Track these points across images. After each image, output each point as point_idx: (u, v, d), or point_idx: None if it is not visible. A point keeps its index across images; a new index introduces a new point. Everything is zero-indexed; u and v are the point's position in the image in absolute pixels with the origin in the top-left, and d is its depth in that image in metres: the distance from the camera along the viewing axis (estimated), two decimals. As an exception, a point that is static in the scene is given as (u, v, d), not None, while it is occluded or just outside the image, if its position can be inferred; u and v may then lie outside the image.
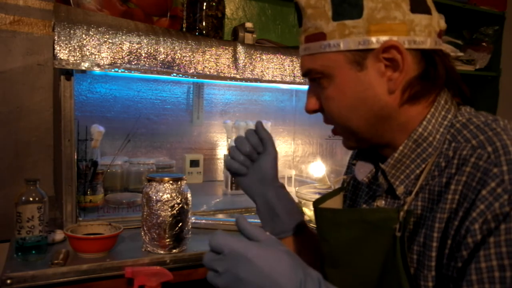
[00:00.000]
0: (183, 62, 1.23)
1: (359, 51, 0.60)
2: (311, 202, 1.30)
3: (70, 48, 1.07)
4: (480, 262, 0.50)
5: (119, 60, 1.13)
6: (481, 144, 0.56)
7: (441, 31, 0.63)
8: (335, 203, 0.75)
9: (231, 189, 1.65)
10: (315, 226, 1.28)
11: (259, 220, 0.81)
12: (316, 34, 0.62)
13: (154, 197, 1.01)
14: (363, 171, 0.70)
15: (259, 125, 0.82)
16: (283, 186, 0.84)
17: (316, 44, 0.62)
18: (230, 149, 0.83)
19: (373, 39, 0.59)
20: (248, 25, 1.45)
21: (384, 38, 0.59)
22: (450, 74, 0.64)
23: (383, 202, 0.67)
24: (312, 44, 0.63)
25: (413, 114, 0.63)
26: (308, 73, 0.66)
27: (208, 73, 1.27)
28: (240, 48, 1.33)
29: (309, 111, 0.69)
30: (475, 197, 0.53)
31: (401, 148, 0.63)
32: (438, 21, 0.62)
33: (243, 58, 1.33)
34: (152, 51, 1.18)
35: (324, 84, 0.64)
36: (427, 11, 0.61)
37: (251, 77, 1.34)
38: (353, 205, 0.77)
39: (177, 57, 1.22)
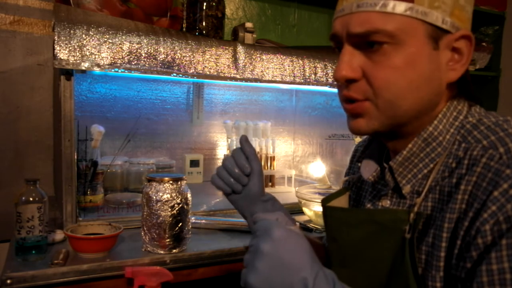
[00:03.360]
0: (183, 62, 1.23)
1: (438, 28, 0.57)
2: (311, 202, 1.31)
3: (70, 48, 1.07)
4: (492, 264, 0.50)
5: (119, 60, 1.13)
6: (492, 144, 0.56)
7: None
8: (341, 202, 0.75)
9: (231, 189, 1.65)
10: (315, 226, 1.29)
11: None
12: None
13: (154, 197, 1.01)
14: (369, 169, 0.70)
15: (243, 140, 0.81)
16: (271, 198, 0.84)
17: (398, 3, 0.55)
18: (217, 167, 0.82)
19: (453, 22, 0.57)
20: (248, 25, 1.45)
21: (459, 26, 0.58)
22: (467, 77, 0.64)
23: (388, 202, 0.66)
24: (393, 2, 0.55)
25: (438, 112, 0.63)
26: (370, 34, 0.56)
27: (208, 73, 1.27)
28: (240, 48, 1.33)
29: (343, 78, 0.59)
30: (486, 197, 0.52)
31: (410, 145, 0.62)
32: None
33: (243, 58, 1.33)
34: (152, 51, 1.18)
35: (386, 50, 0.57)
36: None
37: (251, 77, 1.33)
38: (357, 205, 0.77)
39: (177, 57, 1.22)
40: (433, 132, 0.62)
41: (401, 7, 0.55)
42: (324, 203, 0.73)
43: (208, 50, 1.27)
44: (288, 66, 1.40)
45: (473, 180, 0.55)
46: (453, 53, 0.59)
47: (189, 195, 1.05)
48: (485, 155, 0.55)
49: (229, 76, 1.30)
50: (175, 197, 1.01)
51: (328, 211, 0.71)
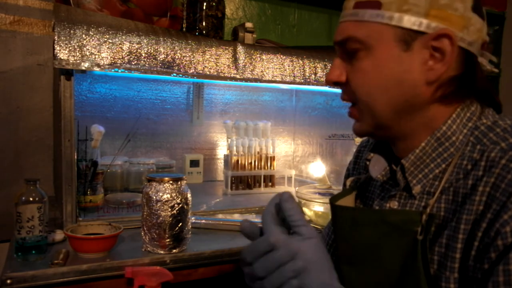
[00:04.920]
0: (183, 62, 1.23)
1: (410, 30, 0.58)
2: (311, 202, 1.31)
3: (70, 48, 1.07)
4: (509, 264, 0.50)
5: (119, 60, 1.13)
6: None
7: (485, 43, 0.62)
8: (347, 202, 0.74)
9: (231, 189, 1.65)
10: (315, 226, 1.29)
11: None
12: (370, 1, 0.59)
13: (154, 197, 1.01)
14: (378, 168, 0.69)
15: (285, 197, 0.60)
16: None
17: (367, 11, 0.59)
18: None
19: (430, 23, 0.57)
20: (248, 25, 1.45)
21: (440, 25, 0.57)
22: (484, 84, 0.63)
23: (396, 203, 0.66)
24: (363, 11, 0.60)
25: (439, 113, 0.62)
26: (345, 41, 0.62)
27: (208, 73, 1.27)
28: (240, 48, 1.33)
29: (330, 81, 0.65)
30: (506, 199, 0.52)
31: (423, 144, 0.62)
32: (486, 31, 0.62)
33: (243, 58, 1.33)
34: (152, 51, 1.18)
35: (360, 55, 0.61)
36: (483, 17, 0.61)
37: (251, 77, 1.33)
38: (363, 206, 0.76)
39: (177, 57, 1.22)
40: (446, 132, 0.61)
41: (369, 15, 0.59)
42: (332, 201, 0.72)
43: (208, 50, 1.27)
44: (288, 66, 1.40)
45: (491, 182, 0.54)
46: (434, 52, 0.59)
47: (189, 195, 1.05)
48: (504, 156, 0.55)
49: (229, 76, 1.30)
50: (175, 197, 1.01)
51: (338, 210, 0.70)
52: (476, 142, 0.60)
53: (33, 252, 0.96)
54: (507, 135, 0.58)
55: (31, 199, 0.96)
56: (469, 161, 0.59)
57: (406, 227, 0.60)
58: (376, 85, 0.60)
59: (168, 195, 1.01)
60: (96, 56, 1.10)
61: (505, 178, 0.53)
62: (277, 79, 1.38)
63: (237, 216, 1.29)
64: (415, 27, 0.57)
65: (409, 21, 0.57)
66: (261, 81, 1.35)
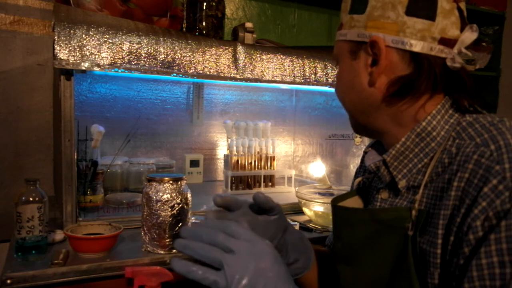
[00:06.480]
0: (183, 62, 1.23)
1: (356, 42, 0.67)
2: (311, 202, 1.31)
3: (70, 48, 1.07)
4: (481, 259, 0.51)
5: (119, 60, 1.13)
6: (484, 142, 0.57)
7: (447, 39, 0.62)
8: (356, 202, 0.76)
9: (231, 189, 1.65)
10: (315, 226, 1.29)
11: None
12: (340, 24, 0.71)
13: (154, 197, 1.01)
14: (372, 158, 0.72)
15: (258, 198, 0.68)
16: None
17: (337, 32, 0.72)
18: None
19: (367, 33, 0.65)
20: (248, 25, 1.45)
21: (375, 34, 0.63)
22: (452, 81, 0.64)
23: (387, 194, 0.68)
24: (337, 33, 0.73)
25: (404, 110, 0.65)
26: (333, 58, 0.76)
27: (208, 73, 1.27)
28: (240, 48, 1.33)
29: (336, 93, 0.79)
30: (476, 194, 0.53)
31: (403, 139, 0.65)
32: (443, 28, 0.62)
33: (243, 58, 1.33)
34: (152, 51, 1.18)
35: (338, 68, 0.74)
36: (428, 17, 0.62)
37: (251, 77, 1.33)
38: (366, 202, 0.78)
39: (177, 57, 1.22)
40: (426, 127, 0.63)
41: (337, 35, 0.72)
42: (333, 202, 0.75)
43: (208, 50, 1.27)
44: (288, 66, 1.40)
45: (466, 177, 0.56)
46: (374, 57, 0.64)
47: (189, 195, 1.05)
48: (476, 152, 0.56)
49: (229, 76, 1.30)
50: (175, 197, 1.01)
51: (335, 210, 0.74)
52: (456, 137, 0.62)
53: (33, 252, 0.96)
54: (484, 131, 0.59)
55: (31, 199, 0.96)
56: (447, 155, 0.61)
57: (396, 224, 0.62)
58: (340, 90, 0.72)
59: (168, 195, 1.01)
60: (96, 56, 1.10)
61: (477, 174, 0.55)
62: (277, 79, 1.38)
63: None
64: (358, 39, 0.66)
65: (354, 34, 0.67)
66: (261, 81, 1.35)
